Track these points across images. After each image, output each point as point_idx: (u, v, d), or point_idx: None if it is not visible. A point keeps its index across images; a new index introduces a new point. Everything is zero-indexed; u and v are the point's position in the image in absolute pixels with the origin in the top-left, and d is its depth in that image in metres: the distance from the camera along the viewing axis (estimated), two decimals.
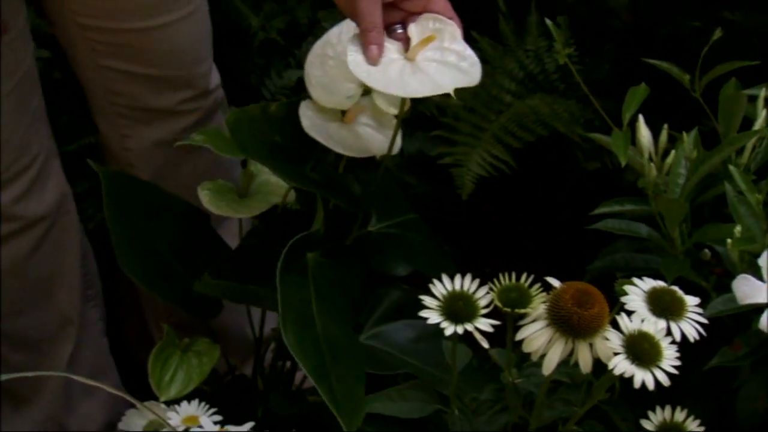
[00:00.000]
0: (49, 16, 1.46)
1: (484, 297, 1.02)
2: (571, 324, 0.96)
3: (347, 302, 1.25)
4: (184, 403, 1.22)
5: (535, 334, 0.98)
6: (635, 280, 1.00)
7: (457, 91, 1.12)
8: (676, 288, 1.00)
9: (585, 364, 0.97)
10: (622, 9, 1.93)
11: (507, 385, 1.09)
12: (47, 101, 1.46)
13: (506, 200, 2.12)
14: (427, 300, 1.02)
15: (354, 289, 1.28)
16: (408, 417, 1.14)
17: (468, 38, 1.20)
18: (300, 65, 1.99)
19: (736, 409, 1.13)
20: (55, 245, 1.50)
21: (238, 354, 1.63)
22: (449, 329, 1.00)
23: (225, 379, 1.49)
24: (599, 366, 0.98)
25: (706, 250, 1.22)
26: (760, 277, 1.02)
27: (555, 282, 0.99)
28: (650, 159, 1.22)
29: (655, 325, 0.97)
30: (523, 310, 1.00)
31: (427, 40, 1.15)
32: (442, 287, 1.03)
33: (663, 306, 0.98)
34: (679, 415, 1.07)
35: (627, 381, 0.95)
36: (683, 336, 0.97)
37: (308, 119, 1.23)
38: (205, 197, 1.35)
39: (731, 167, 1.16)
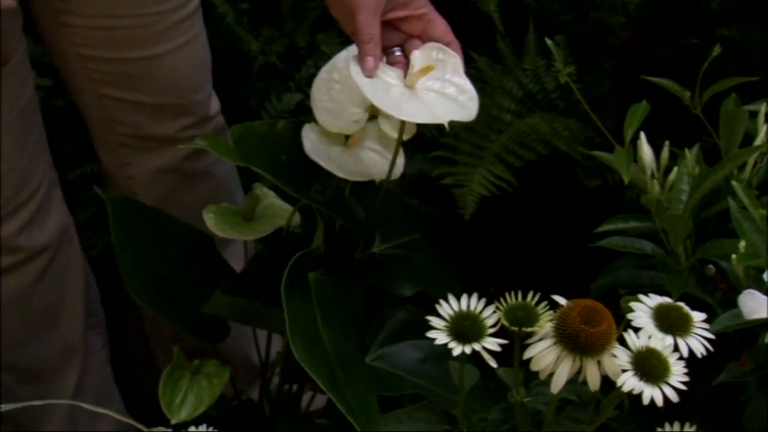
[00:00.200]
0: (49, 47, 1.46)
1: (490, 316, 1.02)
2: (578, 342, 0.96)
3: (352, 321, 1.25)
4: (192, 428, 1.21)
5: (543, 352, 0.98)
6: (641, 296, 1.00)
7: (452, 120, 1.12)
8: (682, 304, 1.00)
9: (593, 381, 0.97)
10: (620, 27, 1.94)
11: (515, 405, 1.09)
12: (48, 129, 1.46)
13: (508, 219, 2.12)
14: (434, 320, 1.02)
15: (358, 309, 1.28)
16: None
17: (466, 58, 1.21)
18: (299, 88, 2.00)
19: (744, 424, 1.13)
20: (58, 275, 1.50)
21: (244, 379, 1.63)
22: (457, 349, 1.00)
23: (232, 404, 1.49)
24: (607, 383, 0.98)
25: (711, 266, 1.22)
26: (766, 292, 1.02)
27: (561, 300, 0.99)
28: (652, 176, 1.22)
29: (662, 342, 0.97)
30: (530, 329, 1.00)
31: (426, 70, 1.15)
32: (448, 307, 1.03)
33: (670, 322, 0.98)
34: (688, 431, 1.06)
35: (635, 398, 0.95)
36: (690, 352, 0.97)
37: (310, 142, 1.24)
38: (210, 220, 1.35)
39: (734, 183, 1.16)
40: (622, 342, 0.98)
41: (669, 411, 1.00)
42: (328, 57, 1.98)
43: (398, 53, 1.20)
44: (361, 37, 1.14)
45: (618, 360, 0.96)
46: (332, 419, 1.39)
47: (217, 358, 1.37)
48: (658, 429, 1.07)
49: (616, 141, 1.24)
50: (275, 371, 1.49)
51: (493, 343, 1.01)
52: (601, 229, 1.24)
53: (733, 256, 1.10)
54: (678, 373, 0.96)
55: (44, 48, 1.47)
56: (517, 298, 1.03)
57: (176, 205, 1.52)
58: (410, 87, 1.15)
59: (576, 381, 1.00)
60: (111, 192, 1.57)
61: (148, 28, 1.41)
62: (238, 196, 1.63)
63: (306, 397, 1.46)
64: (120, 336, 1.78)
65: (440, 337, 1.01)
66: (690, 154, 1.24)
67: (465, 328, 1.01)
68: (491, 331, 1.02)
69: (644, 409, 0.96)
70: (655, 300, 1.00)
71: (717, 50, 1.30)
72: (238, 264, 1.47)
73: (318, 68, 1.98)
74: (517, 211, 2.09)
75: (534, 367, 0.99)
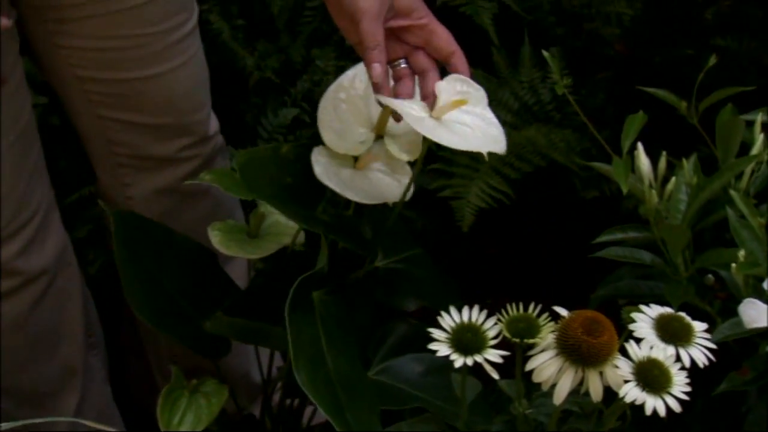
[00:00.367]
0: (46, 68, 1.45)
1: (492, 328, 1.03)
2: (580, 353, 0.96)
3: (355, 338, 1.24)
4: None
5: (545, 363, 0.98)
6: (642, 307, 1.01)
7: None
8: (683, 314, 1.00)
9: (596, 392, 0.97)
10: (614, 39, 1.95)
11: (517, 416, 1.09)
12: (45, 148, 1.45)
13: (506, 231, 2.12)
14: (435, 333, 1.03)
15: (362, 325, 1.28)
16: None
17: None
18: (295, 103, 2.00)
19: None
20: (57, 298, 1.49)
21: (245, 395, 1.62)
22: (459, 361, 1.00)
23: (234, 420, 1.48)
24: (609, 394, 0.98)
25: (710, 276, 1.22)
26: (765, 301, 1.02)
27: (563, 311, 1.00)
28: (650, 186, 1.23)
29: (664, 352, 0.97)
30: (531, 340, 1.00)
31: (458, 103, 1.15)
32: (450, 320, 1.03)
33: (672, 332, 0.98)
34: None
35: (638, 408, 0.96)
36: (691, 361, 0.98)
37: (321, 166, 1.22)
38: (215, 237, 1.35)
39: (732, 192, 1.17)
40: (624, 353, 0.98)
41: (670, 421, 1.00)
42: (323, 71, 1.99)
43: (404, 65, 1.19)
44: (366, 44, 1.14)
45: (620, 371, 0.97)
46: None
47: (217, 374, 1.37)
48: None
49: (612, 152, 1.24)
50: (277, 386, 1.49)
51: (495, 355, 1.01)
52: (599, 239, 1.25)
53: (733, 265, 1.10)
54: (680, 384, 0.96)
55: (41, 69, 1.47)
56: (517, 309, 1.03)
57: (175, 224, 1.51)
58: (437, 119, 1.15)
59: (578, 392, 1.00)
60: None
61: (146, 49, 1.40)
62: (237, 214, 1.63)
63: (308, 411, 1.45)
64: (119, 354, 1.77)
65: (442, 349, 1.02)
66: (687, 164, 1.24)
67: (467, 340, 1.01)
68: (493, 342, 1.02)
69: (647, 420, 0.96)
70: (656, 310, 1.00)
71: (712, 60, 1.31)
72: (241, 279, 1.47)
73: (313, 83, 2.01)
74: (514, 222, 2.09)
75: (536, 378, 0.99)
